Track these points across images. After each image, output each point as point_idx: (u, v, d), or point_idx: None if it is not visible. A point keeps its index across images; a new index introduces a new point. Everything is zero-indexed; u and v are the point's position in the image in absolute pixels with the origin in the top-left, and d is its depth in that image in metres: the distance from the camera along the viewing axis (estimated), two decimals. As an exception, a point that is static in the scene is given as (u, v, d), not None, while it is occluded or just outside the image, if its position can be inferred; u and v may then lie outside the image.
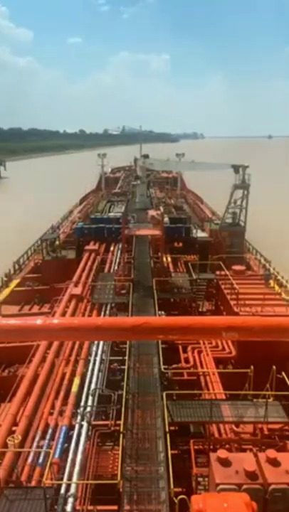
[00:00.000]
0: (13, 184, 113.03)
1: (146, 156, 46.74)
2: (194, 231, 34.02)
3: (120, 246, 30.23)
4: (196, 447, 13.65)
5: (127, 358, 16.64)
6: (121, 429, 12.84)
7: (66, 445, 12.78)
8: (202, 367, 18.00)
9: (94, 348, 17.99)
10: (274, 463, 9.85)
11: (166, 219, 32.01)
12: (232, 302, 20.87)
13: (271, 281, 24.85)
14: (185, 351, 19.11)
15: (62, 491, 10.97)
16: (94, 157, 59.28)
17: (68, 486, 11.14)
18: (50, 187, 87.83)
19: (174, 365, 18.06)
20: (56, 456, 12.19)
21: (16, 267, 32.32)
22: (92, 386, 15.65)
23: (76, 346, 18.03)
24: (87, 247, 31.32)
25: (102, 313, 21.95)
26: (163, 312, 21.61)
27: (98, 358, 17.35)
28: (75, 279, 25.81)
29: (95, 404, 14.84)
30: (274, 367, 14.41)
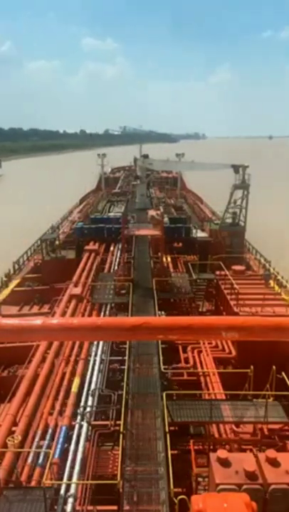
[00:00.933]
0: (8, 180, 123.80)
1: (146, 156, 46.75)
2: (194, 231, 34.01)
3: (120, 246, 30.23)
4: (195, 447, 13.65)
5: (126, 358, 16.64)
6: (121, 430, 12.84)
7: (66, 445, 12.78)
8: (202, 367, 18.00)
9: (94, 348, 17.99)
10: (274, 463, 9.84)
11: (166, 219, 32.01)
12: (232, 302, 20.87)
13: (271, 282, 24.86)
14: (185, 351, 19.12)
15: (62, 491, 10.97)
16: (82, 157, 63.43)
17: (68, 487, 11.14)
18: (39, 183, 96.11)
19: (174, 365, 18.08)
20: (56, 456, 12.18)
21: (16, 267, 32.32)
22: (92, 386, 15.64)
23: (76, 346, 18.02)
24: (86, 247, 31.32)
25: (102, 313, 21.95)
26: (163, 312, 21.62)
27: (98, 358, 17.35)
28: (74, 279, 25.81)
29: (95, 404, 14.83)
30: (274, 367, 14.41)
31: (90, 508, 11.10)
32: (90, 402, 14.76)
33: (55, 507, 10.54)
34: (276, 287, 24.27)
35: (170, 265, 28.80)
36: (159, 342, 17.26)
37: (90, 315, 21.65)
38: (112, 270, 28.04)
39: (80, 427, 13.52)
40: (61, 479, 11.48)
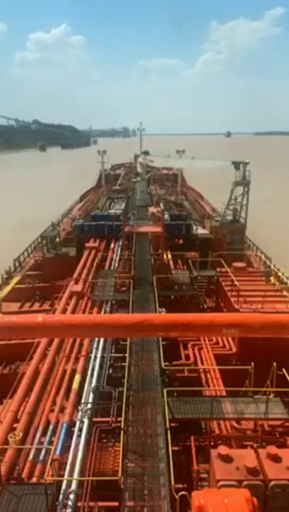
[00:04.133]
0: None
1: (146, 153, 46.62)
2: (195, 228, 34.00)
3: (120, 243, 30.23)
4: (196, 444, 13.68)
5: (127, 354, 16.65)
6: (122, 426, 12.87)
7: (67, 442, 12.82)
8: (203, 364, 18.03)
9: (94, 345, 18.02)
10: (275, 459, 9.87)
11: (166, 216, 31.98)
12: (232, 299, 20.88)
13: (272, 278, 24.88)
14: (185, 348, 19.15)
15: (64, 487, 11.01)
16: None
17: (70, 483, 11.17)
18: None
19: (175, 362, 18.10)
20: (57, 452, 12.23)
21: (17, 264, 32.36)
22: (93, 383, 15.67)
23: (77, 343, 18.05)
24: (87, 245, 31.30)
25: (103, 310, 21.95)
26: (163, 309, 21.61)
27: (99, 355, 17.37)
28: (75, 276, 25.83)
29: (96, 401, 14.87)
30: (274, 363, 14.43)
31: (91, 504, 11.14)
32: (90, 399, 14.78)
33: (57, 503, 10.58)
34: (277, 284, 24.28)
35: (171, 262, 28.77)
36: (160, 339, 17.29)
37: (90, 312, 21.67)
38: (112, 267, 28.03)
39: (81, 423, 13.55)
40: (62, 475, 11.53)
